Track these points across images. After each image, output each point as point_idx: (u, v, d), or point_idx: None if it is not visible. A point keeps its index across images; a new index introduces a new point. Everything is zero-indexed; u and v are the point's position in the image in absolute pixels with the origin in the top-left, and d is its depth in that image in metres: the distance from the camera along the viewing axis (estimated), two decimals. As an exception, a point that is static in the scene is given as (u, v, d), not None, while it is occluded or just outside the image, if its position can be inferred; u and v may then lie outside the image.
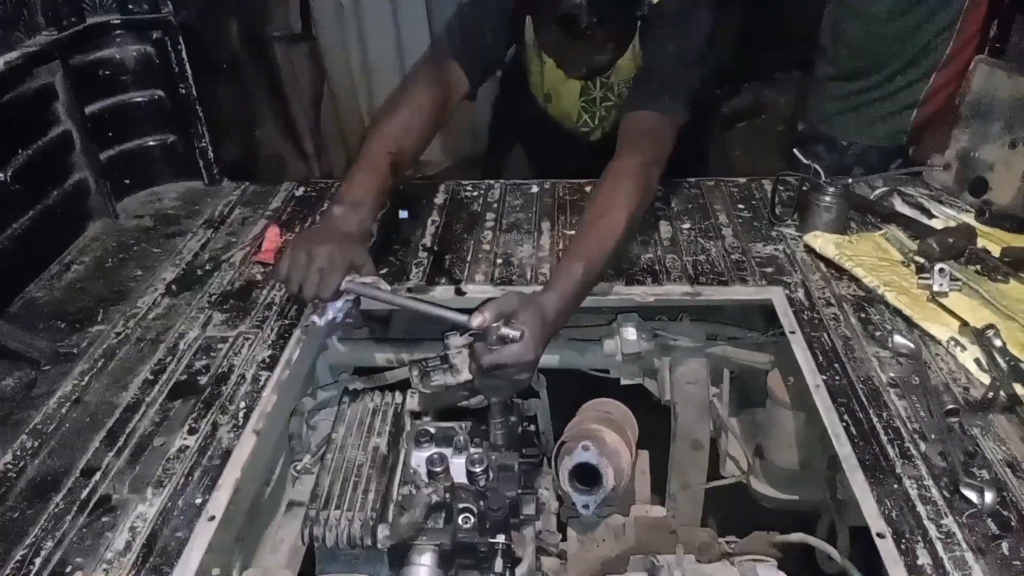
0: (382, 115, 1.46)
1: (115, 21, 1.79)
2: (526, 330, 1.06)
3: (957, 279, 1.39)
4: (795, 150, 1.65)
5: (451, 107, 1.54)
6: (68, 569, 0.98)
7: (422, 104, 1.46)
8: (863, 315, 1.39)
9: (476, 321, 1.05)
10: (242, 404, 1.24)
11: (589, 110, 1.82)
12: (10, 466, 1.13)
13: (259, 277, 1.57)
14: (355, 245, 1.25)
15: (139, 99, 1.85)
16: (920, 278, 1.42)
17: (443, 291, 1.50)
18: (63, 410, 1.24)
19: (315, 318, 1.23)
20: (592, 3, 1.40)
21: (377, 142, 1.40)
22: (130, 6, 1.79)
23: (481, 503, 1.09)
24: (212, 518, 1.04)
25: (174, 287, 1.54)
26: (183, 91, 1.84)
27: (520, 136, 2.16)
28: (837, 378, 1.25)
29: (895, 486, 1.05)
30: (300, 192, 1.91)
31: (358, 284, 1.21)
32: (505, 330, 1.05)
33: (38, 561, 0.99)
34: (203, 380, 1.30)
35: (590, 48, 1.53)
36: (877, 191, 1.75)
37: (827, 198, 1.59)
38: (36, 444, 1.17)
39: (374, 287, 1.23)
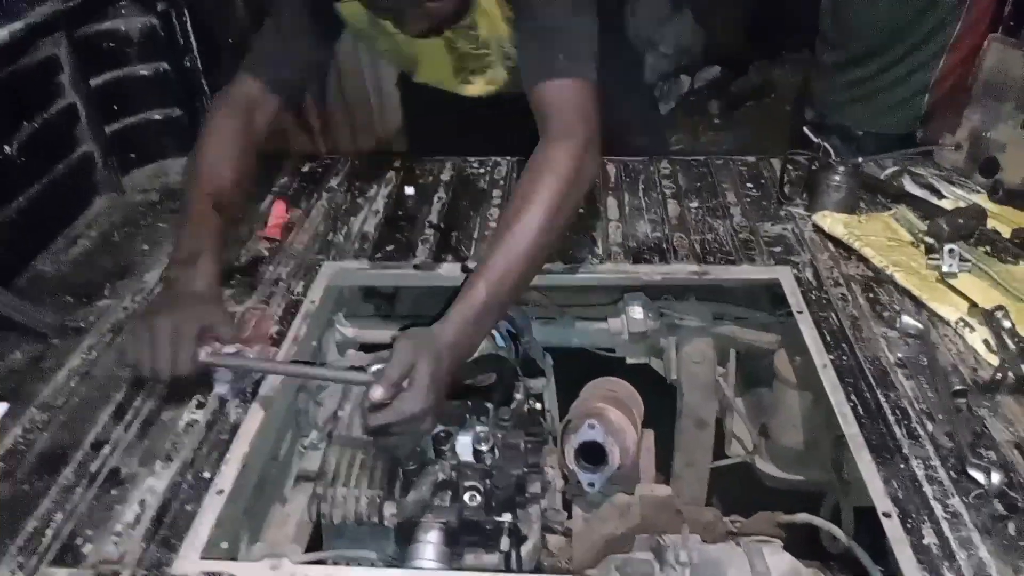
0: (191, 159, 1.38)
1: (120, -8, 1.77)
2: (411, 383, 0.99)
3: (967, 260, 1.38)
4: (806, 128, 1.63)
5: (262, 126, 1.43)
6: (78, 541, 0.98)
7: (226, 133, 1.38)
8: (871, 295, 1.39)
9: (377, 395, 0.96)
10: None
11: (462, 66, 1.59)
12: (20, 439, 1.14)
13: (265, 252, 1.57)
14: (204, 305, 1.19)
15: (144, 72, 1.83)
16: (929, 259, 1.41)
17: (449, 268, 1.50)
18: (72, 384, 1.24)
19: (219, 390, 1.19)
20: None
21: (193, 189, 1.33)
22: (135, -23, 1.77)
23: (487, 481, 1.09)
24: (220, 492, 1.05)
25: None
26: (188, 64, 1.82)
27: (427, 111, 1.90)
28: (844, 358, 1.25)
29: (902, 466, 1.05)
30: (306, 168, 1.90)
31: (218, 356, 1.13)
32: (377, 395, 0.96)
33: (49, 533, 0.99)
34: (211, 355, 1.30)
35: None
36: (887, 171, 1.73)
37: (836, 177, 1.57)
38: (46, 418, 1.18)
39: (238, 356, 1.15)
